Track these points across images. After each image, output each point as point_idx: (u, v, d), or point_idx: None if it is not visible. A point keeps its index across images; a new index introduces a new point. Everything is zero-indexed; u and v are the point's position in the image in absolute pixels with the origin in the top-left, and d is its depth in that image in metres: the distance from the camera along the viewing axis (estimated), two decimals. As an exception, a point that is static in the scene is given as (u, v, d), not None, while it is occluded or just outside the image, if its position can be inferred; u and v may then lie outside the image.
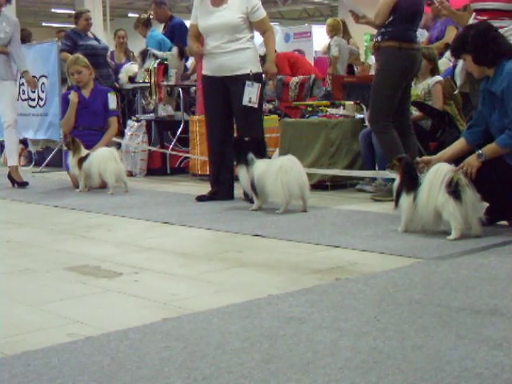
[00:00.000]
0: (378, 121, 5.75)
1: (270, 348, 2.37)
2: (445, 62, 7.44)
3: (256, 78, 5.84)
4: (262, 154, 5.52)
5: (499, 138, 4.27)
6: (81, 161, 6.81)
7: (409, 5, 5.59)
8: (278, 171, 5.21)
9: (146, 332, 2.57)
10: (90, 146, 7.00)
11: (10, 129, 7.44)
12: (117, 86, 9.48)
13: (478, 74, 4.52)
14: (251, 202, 5.58)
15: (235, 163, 5.55)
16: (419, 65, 5.90)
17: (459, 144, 4.56)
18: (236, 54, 5.87)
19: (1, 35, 7.29)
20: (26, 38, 11.66)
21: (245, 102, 5.81)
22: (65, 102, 7.56)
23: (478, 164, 4.23)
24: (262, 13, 5.94)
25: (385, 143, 5.73)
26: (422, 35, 7.99)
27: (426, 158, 4.59)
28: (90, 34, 9.31)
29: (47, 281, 3.49)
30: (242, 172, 5.46)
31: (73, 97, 7.34)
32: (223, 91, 5.95)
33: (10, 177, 7.49)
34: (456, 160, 4.33)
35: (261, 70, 5.96)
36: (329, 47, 10.55)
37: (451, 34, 7.56)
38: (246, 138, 5.52)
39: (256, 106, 5.82)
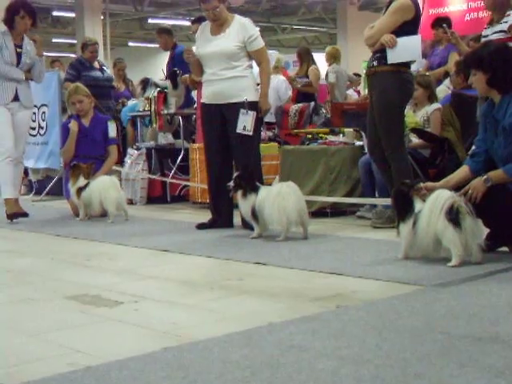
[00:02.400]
0: (395, 148, 5.64)
1: (271, 377, 2.35)
2: (444, 90, 7.48)
3: (251, 106, 5.87)
4: (259, 180, 5.63)
5: (508, 167, 4.24)
6: (80, 190, 6.82)
7: (405, 33, 5.58)
8: (276, 197, 5.22)
9: (147, 361, 2.56)
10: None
11: (17, 162, 7.09)
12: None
13: (484, 93, 4.53)
14: (251, 229, 5.58)
15: (241, 196, 5.51)
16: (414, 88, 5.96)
17: (463, 172, 4.50)
18: (232, 82, 5.90)
19: (27, 60, 7.09)
20: None
21: (239, 129, 5.83)
22: (65, 131, 7.58)
23: (484, 189, 4.19)
24: (259, 43, 5.97)
25: (400, 171, 5.59)
26: (420, 63, 8.04)
27: (429, 184, 4.48)
28: (96, 64, 9.36)
29: (47, 310, 3.48)
30: (246, 200, 5.45)
31: (73, 126, 7.36)
32: (220, 119, 5.98)
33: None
34: (458, 188, 4.30)
35: (257, 99, 5.96)
36: (327, 74, 10.62)
37: (454, 61, 7.61)
38: (236, 173, 5.58)
39: (251, 133, 5.83)
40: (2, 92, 7.02)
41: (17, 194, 7.37)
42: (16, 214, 6.97)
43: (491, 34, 5.87)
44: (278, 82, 9.65)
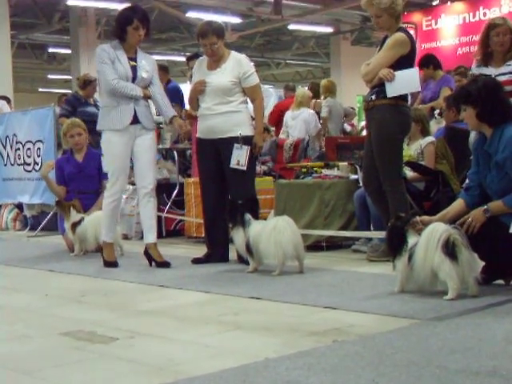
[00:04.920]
0: (393, 181, 5.65)
1: (267, 413, 2.34)
2: (433, 123, 7.53)
3: (246, 140, 5.89)
4: (255, 214, 5.56)
5: (507, 198, 4.25)
6: (74, 225, 6.82)
7: (402, 67, 5.61)
8: (272, 231, 5.22)
9: (142, 398, 2.54)
10: (84, 209, 7.05)
11: (148, 197, 6.08)
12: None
13: (476, 128, 4.54)
14: (246, 263, 5.57)
15: (231, 226, 5.57)
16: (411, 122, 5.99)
17: (458, 206, 4.51)
18: (226, 117, 5.93)
19: (143, 74, 6.07)
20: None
21: (233, 164, 5.85)
22: (59, 168, 7.61)
23: (484, 219, 4.24)
24: (254, 80, 6.02)
25: (397, 203, 5.58)
26: None
27: (426, 218, 4.48)
28: (90, 100, 9.38)
29: (42, 347, 3.46)
30: (237, 234, 5.47)
31: (43, 171, 7.77)
32: (215, 153, 6.00)
33: (146, 254, 6.17)
34: (454, 222, 4.30)
35: (252, 133, 5.99)
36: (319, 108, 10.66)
37: (443, 97, 7.69)
38: (240, 201, 5.56)
39: (244, 168, 5.84)
40: (119, 114, 6.04)
41: (117, 237, 6.70)
42: (109, 263, 6.11)
43: (496, 75, 5.71)
44: (309, 115, 9.77)
